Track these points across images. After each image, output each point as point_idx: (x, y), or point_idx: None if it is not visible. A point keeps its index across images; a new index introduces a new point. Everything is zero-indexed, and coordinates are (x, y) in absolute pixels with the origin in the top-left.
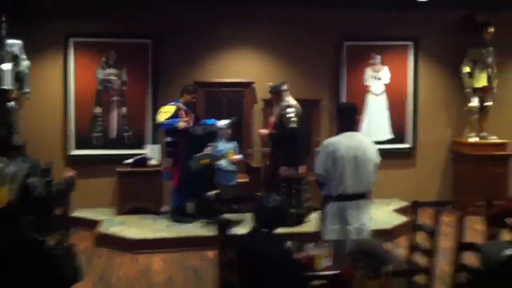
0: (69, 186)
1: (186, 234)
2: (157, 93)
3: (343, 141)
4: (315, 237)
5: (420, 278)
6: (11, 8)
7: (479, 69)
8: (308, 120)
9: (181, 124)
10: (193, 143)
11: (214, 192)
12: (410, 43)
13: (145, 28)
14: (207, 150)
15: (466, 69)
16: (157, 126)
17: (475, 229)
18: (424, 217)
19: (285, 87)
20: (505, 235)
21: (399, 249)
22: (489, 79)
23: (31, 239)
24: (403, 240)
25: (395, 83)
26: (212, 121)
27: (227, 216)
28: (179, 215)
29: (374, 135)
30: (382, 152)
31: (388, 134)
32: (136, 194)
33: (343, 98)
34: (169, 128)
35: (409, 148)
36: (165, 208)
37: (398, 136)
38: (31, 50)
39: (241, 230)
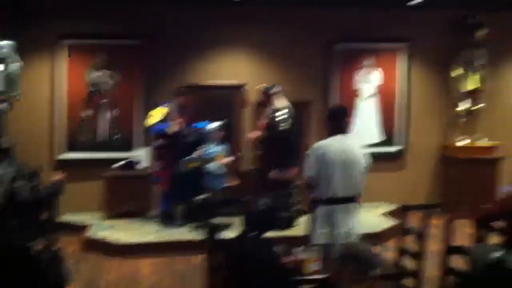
0: (57, 189)
1: (175, 239)
2: (148, 95)
3: (333, 144)
4: (304, 240)
5: (408, 282)
6: (3, 9)
7: (470, 71)
8: (299, 123)
9: (172, 128)
10: (183, 147)
11: (202, 196)
12: (401, 45)
13: (136, 30)
14: (197, 153)
15: (457, 71)
16: (148, 129)
17: (464, 232)
18: (413, 220)
19: (277, 89)
20: (493, 238)
21: (388, 252)
22: (481, 81)
23: (17, 244)
24: (392, 243)
25: (386, 86)
26: (203, 124)
27: (216, 220)
28: (168, 219)
29: (365, 137)
30: (372, 155)
31: (378, 137)
32: (125, 198)
33: (334, 101)
34: (159, 132)
35: (399, 151)
36: (154, 212)
37: (388, 139)
38: (22, 51)
39: (230, 233)
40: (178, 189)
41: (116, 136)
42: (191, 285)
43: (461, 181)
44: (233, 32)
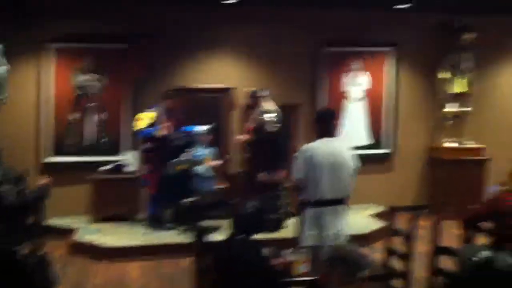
0: (43, 194)
1: (163, 242)
2: (135, 99)
3: (321, 146)
4: (292, 242)
5: (397, 283)
6: None
7: (457, 74)
8: (287, 125)
9: (160, 131)
10: (171, 150)
11: (190, 199)
12: (389, 49)
13: (123, 34)
14: (185, 155)
15: (444, 75)
16: (136, 133)
17: (451, 233)
18: (401, 222)
19: (265, 92)
20: (480, 239)
21: (376, 253)
22: (467, 84)
23: (4, 249)
24: (381, 244)
25: (374, 89)
26: (191, 128)
27: (205, 222)
28: (156, 222)
29: (353, 140)
30: (360, 157)
31: (366, 140)
32: (112, 201)
33: (322, 104)
34: (147, 135)
35: (387, 153)
36: (141, 215)
37: (376, 142)
38: (9, 54)
39: (218, 236)
40: (165, 192)
41: (103, 140)
42: None
43: (447, 182)
44: (220, 35)
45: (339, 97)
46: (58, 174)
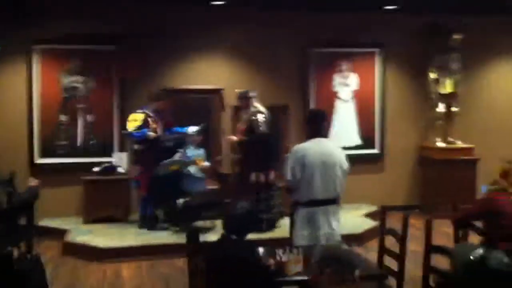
0: (33, 195)
1: (155, 242)
2: (123, 100)
3: (312, 147)
4: (286, 242)
5: (390, 282)
6: None
7: (444, 75)
8: (277, 126)
9: (152, 134)
10: (161, 151)
11: (183, 200)
12: (377, 49)
13: (109, 34)
14: (176, 156)
15: (432, 75)
16: (126, 135)
17: (443, 232)
18: (393, 221)
19: (253, 93)
20: (473, 238)
21: (369, 253)
22: (454, 85)
23: None
24: (373, 244)
25: (363, 90)
26: (182, 129)
27: (197, 223)
28: (148, 223)
29: (342, 140)
30: (351, 158)
31: (356, 140)
32: (103, 203)
33: (312, 104)
34: (137, 137)
35: (377, 153)
36: (133, 216)
37: (367, 142)
38: None
39: (211, 237)
40: (157, 193)
41: (91, 142)
42: None
43: (438, 182)
44: (210, 36)
45: (328, 97)
46: (49, 175)
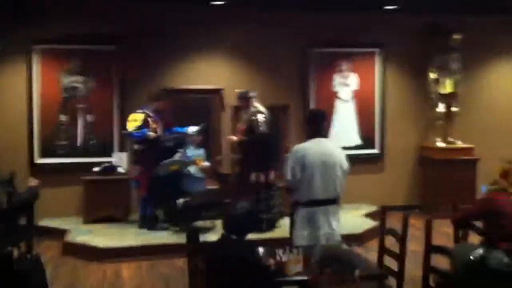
0: (33, 195)
1: (155, 242)
2: (123, 100)
3: (312, 147)
4: (286, 242)
5: (390, 282)
6: None
7: (444, 75)
8: (277, 126)
9: (152, 134)
10: (162, 151)
11: (183, 199)
12: (377, 49)
13: (109, 34)
14: (177, 156)
15: (432, 75)
16: (127, 135)
17: (443, 232)
18: (393, 221)
19: (253, 93)
20: (474, 238)
21: (369, 253)
22: (454, 85)
23: None
24: (373, 244)
25: (363, 90)
26: (183, 129)
27: (197, 223)
28: (148, 223)
29: (342, 140)
30: (351, 158)
31: (356, 140)
32: (103, 203)
33: (312, 104)
34: (137, 137)
35: (377, 153)
36: (133, 216)
37: (367, 142)
38: None
39: (211, 237)
40: (157, 193)
41: (91, 142)
42: None
43: (438, 182)
44: (210, 36)
45: (328, 97)
46: (49, 175)
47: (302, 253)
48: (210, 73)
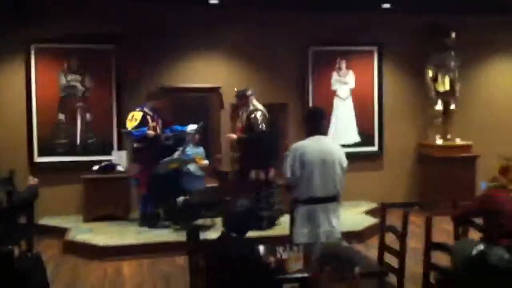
0: (32, 194)
1: (155, 240)
2: (121, 99)
3: (311, 145)
4: (286, 240)
5: (391, 279)
6: None
7: (442, 73)
8: (276, 124)
9: (151, 132)
10: (161, 149)
11: (183, 198)
12: (375, 48)
13: (108, 33)
14: (176, 154)
15: (430, 74)
16: (126, 134)
17: (443, 229)
18: (393, 218)
19: (251, 91)
20: (474, 235)
21: (369, 250)
22: (452, 83)
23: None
24: (373, 241)
25: (361, 88)
26: (182, 127)
27: (197, 221)
28: (149, 221)
29: (341, 138)
30: (350, 155)
31: (355, 138)
32: (103, 201)
33: (310, 102)
34: (136, 135)
35: (376, 151)
36: (133, 214)
37: (365, 139)
38: None
39: (211, 235)
40: (157, 191)
41: (91, 140)
42: (175, 286)
43: (438, 179)
44: (208, 35)
45: (327, 95)
46: (49, 174)
47: (302, 251)
48: (209, 72)
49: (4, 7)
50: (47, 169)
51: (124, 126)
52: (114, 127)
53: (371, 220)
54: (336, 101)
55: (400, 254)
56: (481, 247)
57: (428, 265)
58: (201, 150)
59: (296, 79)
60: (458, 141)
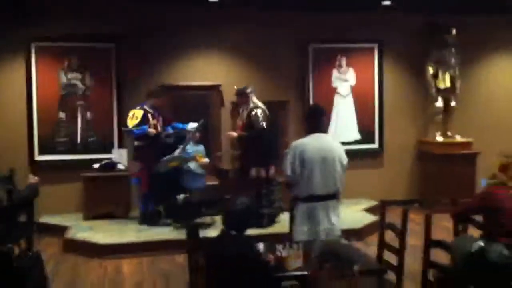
0: (33, 192)
1: (155, 239)
2: (122, 97)
3: (311, 142)
4: (286, 237)
5: (390, 276)
6: None
7: (442, 70)
8: (276, 122)
9: (152, 130)
10: (161, 147)
11: (183, 196)
12: (375, 45)
13: (108, 32)
14: (177, 152)
15: (430, 71)
16: (127, 132)
17: (442, 226)
18: (393, 216)
19: (251, 89)
20: (473, 232)
21: (369, 248)
22: (452, 80)
23: None
24: (373, 238)
25: (361, 85)
26: (183, 125)
27: (197, 219)
28: (151, 219)
29: (341, 136)
30: (350, 153)
31: (355, 135)
32: (104, 199)
33: (311, 100)
34: (137, 133)
35: (376, 148)
36: (133, 212)
37: (366, 137)
38: None
39: (211, 233)
40: (157, 189)
41: (91, 139)
42: (175, 284)
43: (438, 176)
44: (208, 33)
45: (327, 93)
46: (49, 172)
47: (302, 248)
48: (209, 70)
49: (4, 6)
50: (48, 168)
51: (125, 124)
52: (114, 125)
53: (370, 218)
54: (336, 99)
55: (400, 252)
56: (480, 243)
57: (427, 263)
58: (201, 148)
59: (296, 77)
60: (458, 138)
